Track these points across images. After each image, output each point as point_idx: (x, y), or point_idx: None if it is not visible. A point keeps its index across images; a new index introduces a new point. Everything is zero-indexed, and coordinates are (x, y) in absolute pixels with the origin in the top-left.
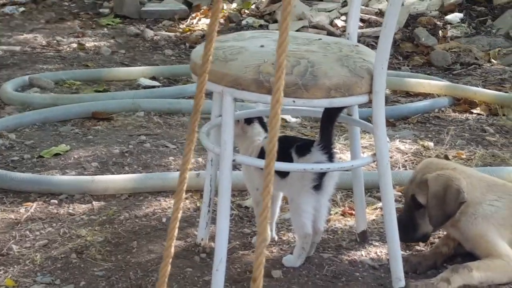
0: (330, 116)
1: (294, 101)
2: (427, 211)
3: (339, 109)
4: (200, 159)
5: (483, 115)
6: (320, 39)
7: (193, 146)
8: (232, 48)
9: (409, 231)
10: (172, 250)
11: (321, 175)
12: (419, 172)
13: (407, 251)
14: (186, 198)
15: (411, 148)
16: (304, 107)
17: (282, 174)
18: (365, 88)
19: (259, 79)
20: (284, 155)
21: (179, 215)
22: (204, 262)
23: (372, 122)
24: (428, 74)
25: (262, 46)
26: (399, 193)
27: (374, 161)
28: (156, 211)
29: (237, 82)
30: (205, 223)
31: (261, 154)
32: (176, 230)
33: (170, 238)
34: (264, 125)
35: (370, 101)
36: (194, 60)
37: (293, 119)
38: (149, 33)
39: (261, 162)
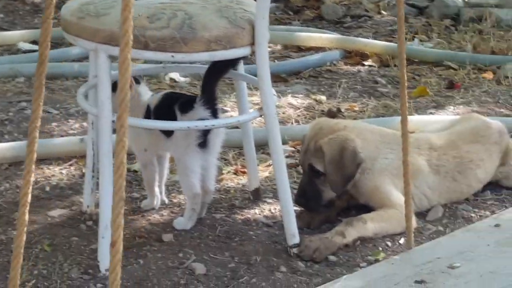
0: (214, 70)
1: (172, 56)
2: (327, 178)
3: (225, 64)
4: (85, 124)
5: (375, 66)
6: None
7: (42, 102)
8: (104, 2)
9: (313, 200)
10: (26, 217)
11: (205, 132)
12: (311, 139)
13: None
14: (71, 165)
15: (304, 103)
16: (185, 62)
17: (167, 133)
18: (247, 39)
19: (134, 33)
20: (168, 113)
21: (31, 179)
22: (91, 230)
23: (257, 75)
24: (319, 28)
25: None
26: (293, 148)
27: (261, 115)
28: (38, 179)
29: (111, 38)
30: (90, 189)
31: (147, 114)
32: (29, 196)
33: (22, 204)
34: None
35: (253, 53)
36: (64, 16)
37: (182, 78)
38: None
39: (145, 122)
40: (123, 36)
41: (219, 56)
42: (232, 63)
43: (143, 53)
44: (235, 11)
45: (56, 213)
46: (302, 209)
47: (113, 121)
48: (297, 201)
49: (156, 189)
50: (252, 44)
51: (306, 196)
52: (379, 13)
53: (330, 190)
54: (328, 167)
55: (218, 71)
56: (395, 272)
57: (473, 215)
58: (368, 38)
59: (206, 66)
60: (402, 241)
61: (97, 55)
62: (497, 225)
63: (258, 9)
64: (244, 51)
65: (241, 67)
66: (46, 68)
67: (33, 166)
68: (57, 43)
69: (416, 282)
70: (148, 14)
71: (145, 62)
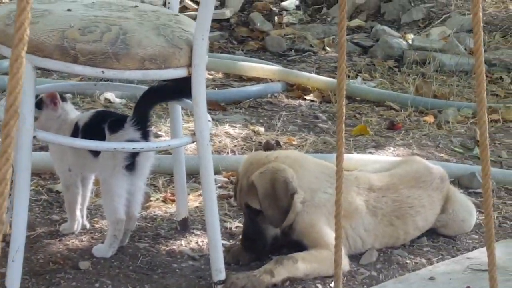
0: (153, 93)
1: (103, 72)
2: (265, 214)
3: (167, 92)
4: None
5: (316, 101)
6: (137, 6)
7: None
8: (34, 11)
9: (259, 241)
10: None
11: (134, 154)
12: (243, 176)
13: (231, 241)
14: None
15: (241, 133)
16: (116, 79)
17: (95, 153)
18: (183, 60)
19: (63, 45)
20: (97, 132)
21: None
22: (3, 252)
23: (192, 98)
24: (263, 59)
25: (69, 10)
26: (226, 179)
27: (193, 142)
28: None
29: (38, 48)
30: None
31: (75, 132)
32: None
33: None
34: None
35: (189, 75)
36: None
37: (118, 100)
38: None
39: (67, 140)
40: (15, 35)
41: (152, 76)
42: (175, 94)
43: (72, 66)
44: (173, 30)
45: None
46: (231, 243)
47: (34, 137)
48: (244, 246)
49: (78, 213)
50: (189, 65)
51: (251, 239)
52: (324, 49)
53: (272, 227)
54: (263, 202)
55: (157, 95)
56: None
57: (408, 261)
58: (311, 73)
59: (142, 88)
60: (333, 284)
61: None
62: (431, 278)
63: (197, 30)
64: (180, 72)
65: None
66: None
67: None
68: None
69: None
70: (81, 26)
71: (81, 80)
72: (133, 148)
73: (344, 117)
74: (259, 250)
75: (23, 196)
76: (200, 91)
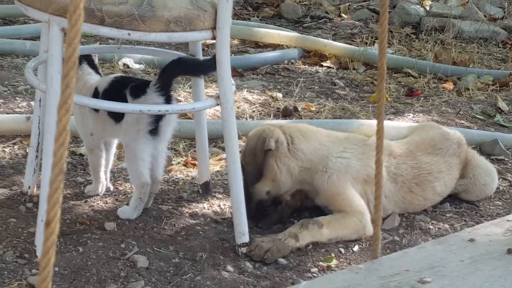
0: (180, 64)
1: (129, 34)
2: (245, 170)
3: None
4: (33, 103)
5: (333, 68)
6: None
7: None
8: None
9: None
10: None
11: (157, 119)
12: (247, 140)
13: None
14: (15, 144)
15: (259, 99)
16: (141, 41)
17: (116, 118)
18: (208, 23)
19: (90, 7)
20: (118, 97)
21: None
22: (31, 212)
23: (216, 61)
24: (278, 26)
25: None
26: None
27: (217, 104)
28: None
29: (65, 10)
30: (33, 170)
31: (95, 96)
32: None
33: None
34: (94, 66)
35: (214, 38)
36: None
37: (136, 65)
38: None
39: (98, 102)
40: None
41: (178, 38)
42: (199, 70)
43: (98, 28)
44: None
45: None
46: None
47: None
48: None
49: (102, 175)
50: (214, 28)
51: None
52: (339, 16)
53: (258, 191)
54: (247, 157)
55: (184, 67)
56: (359, 283)
57: (431, 227)
58: (328, 40)
59: (164, 51)
60: (356, 248)
61: (49, 27)
62: (471, 240)
63: None
64: (205, 34)
65: (199, 52)
66: None
67: None
68: (10, 21)
69: None
70: None
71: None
72: (159, 110)
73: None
74: (247, 212)
75: (51, 156)
76: (225, 54)
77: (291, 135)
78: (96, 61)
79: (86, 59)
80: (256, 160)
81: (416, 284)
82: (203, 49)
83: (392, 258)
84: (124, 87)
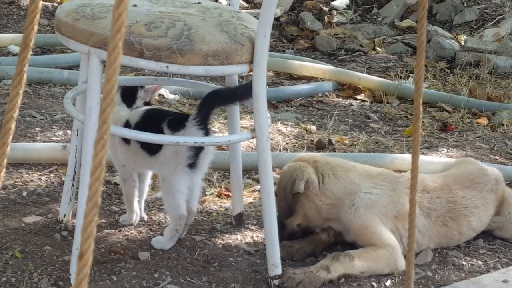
0: (217, 96)
1: (167, 67)
2: (277, 202)
3: (228, 96)
4: (69, 131)
5: (367, 101)
6: (199, 2)
7: (21, 90)
8: (102, 6)
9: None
10: None
11: (196, 153)
12: (281, 175)
13: None
14: (51, 172)
15: (293, 131)
16: (179, 74)
17: (152, 151)
18: (245, 57)
19: (130, 40)
20: (154, 130)
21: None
22: (65, 240)
23: (253, 94)
24: (313, 59)
25: (135, 5)
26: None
27: (253, 137)
28: (16, 183)
29: (105, 43)
30: (68, 198)
31: (126, 127)
32: None
33: None
34: (126, 97)
35: (250, 71)
36: (58, 16)
37: (171, 96)
38: (25, 1)
39: (132, 133)
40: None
41: (215, 72)
42: (235, 97)
43: (137, 60)
44: (236, 27)
45: (31, 219)
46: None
47: None
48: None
49: (136, 205)
50: (251, 62)
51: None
52: (374, 49)
53: (290, 224)
54: (280, 193)
55: (222, 98)
56: None
57: (464, 263)
58: (362, 73)
59: (201, 83)
60: (388, 283)
61: (89, 59)
62: (505, 281)
63: (260, 26)
64: (242, 68)
65: (235, 84)
66: (29, 53)
67: (5, 160)
68: (48, 50)
69: None
70: (147, 21)
71: (136, 75)
72: (195, 142)
73: (421, 118)
74: (279, 239)
75: (87, 187)
76: (261, 88)
77: (323, 173)
78: (141, 94)
79: (120, 89)
80: (287, 199)
81: None
82: (238, 81)
83: None
84: (157, 120)
